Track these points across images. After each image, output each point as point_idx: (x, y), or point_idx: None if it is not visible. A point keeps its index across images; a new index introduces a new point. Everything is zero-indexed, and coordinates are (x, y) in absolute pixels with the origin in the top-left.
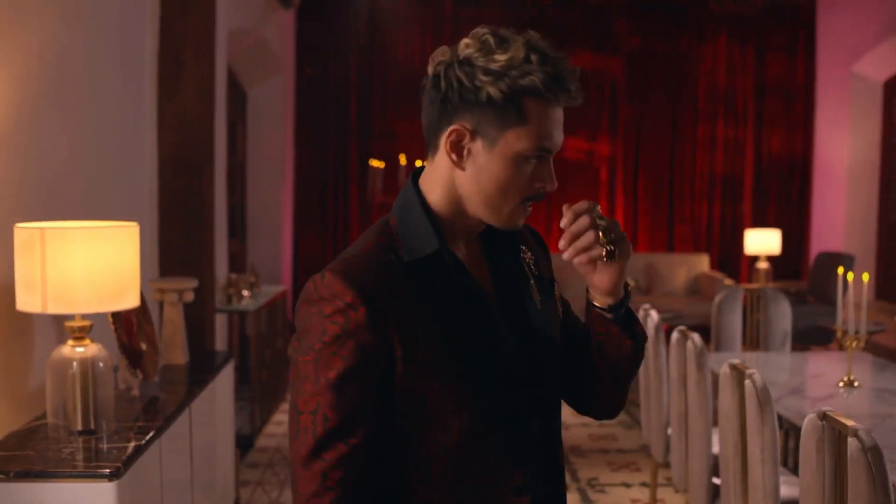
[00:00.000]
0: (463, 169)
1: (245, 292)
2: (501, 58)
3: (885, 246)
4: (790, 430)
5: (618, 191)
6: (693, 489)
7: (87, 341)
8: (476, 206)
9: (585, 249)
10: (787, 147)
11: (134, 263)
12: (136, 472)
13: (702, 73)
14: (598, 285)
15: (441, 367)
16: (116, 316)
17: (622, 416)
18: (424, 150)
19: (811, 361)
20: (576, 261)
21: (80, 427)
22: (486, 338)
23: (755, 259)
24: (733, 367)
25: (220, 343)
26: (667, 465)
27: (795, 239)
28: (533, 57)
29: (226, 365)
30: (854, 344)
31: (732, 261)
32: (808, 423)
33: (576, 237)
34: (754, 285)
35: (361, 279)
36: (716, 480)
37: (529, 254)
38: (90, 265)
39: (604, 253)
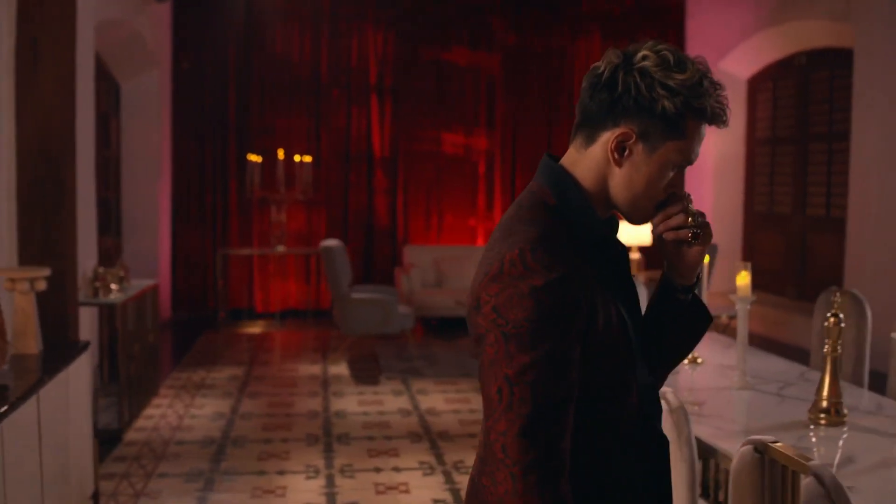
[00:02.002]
0: (620, 166)
1: (113, 286)
2: (679, 77)
3: (751, 236)
4: None
5: (496, 184)
6: None
7: None
8: (620, 200)
9: (675, 228)
10: None
11: None
12: None
13: (576, 70)
14: (681, 264)
15: (617, 335)
16: None
17: None
18: (570, 134)
19: None
20: (665, 236)
21: None
22: (632, 310)
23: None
24: None
25: (89, 337)
26: None
27: None
28: (705, 83)
29: (82, 354)
30: None
31: None
32: None
33: (669, 217)
34: None
35: (564, 254)
36: None
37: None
38: None
39: (690, 234)
